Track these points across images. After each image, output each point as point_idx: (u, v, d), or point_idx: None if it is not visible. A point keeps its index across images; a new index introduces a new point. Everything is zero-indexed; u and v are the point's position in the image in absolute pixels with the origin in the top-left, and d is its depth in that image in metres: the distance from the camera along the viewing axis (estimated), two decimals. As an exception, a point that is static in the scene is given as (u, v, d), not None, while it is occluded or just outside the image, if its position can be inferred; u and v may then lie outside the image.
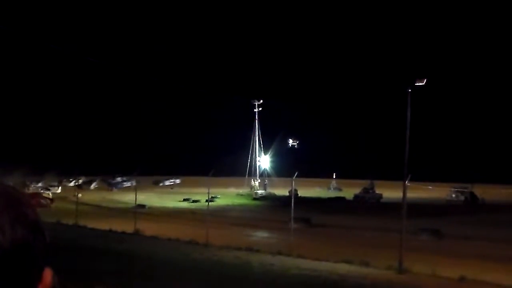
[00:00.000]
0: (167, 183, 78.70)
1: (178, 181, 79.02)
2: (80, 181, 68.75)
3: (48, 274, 0.93)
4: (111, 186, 70.61)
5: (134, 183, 65.09)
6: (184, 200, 56.53)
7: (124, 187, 67.80)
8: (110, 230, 31.37)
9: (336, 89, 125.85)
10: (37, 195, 48.83)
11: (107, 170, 73.70)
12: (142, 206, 44.88)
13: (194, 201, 54.23)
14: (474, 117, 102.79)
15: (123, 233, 30.90)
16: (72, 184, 64.42)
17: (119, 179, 72.14)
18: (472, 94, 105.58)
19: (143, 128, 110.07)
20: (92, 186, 70.83)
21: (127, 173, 70.12)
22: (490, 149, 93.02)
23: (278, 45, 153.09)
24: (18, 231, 0.88)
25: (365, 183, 66.40)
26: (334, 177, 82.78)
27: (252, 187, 71.97)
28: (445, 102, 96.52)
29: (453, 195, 60.78)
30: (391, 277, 20.10)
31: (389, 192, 56.26)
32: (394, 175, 33.87)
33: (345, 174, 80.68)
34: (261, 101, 75.37)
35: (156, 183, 76.54)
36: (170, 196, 61.40)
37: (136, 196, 36.58)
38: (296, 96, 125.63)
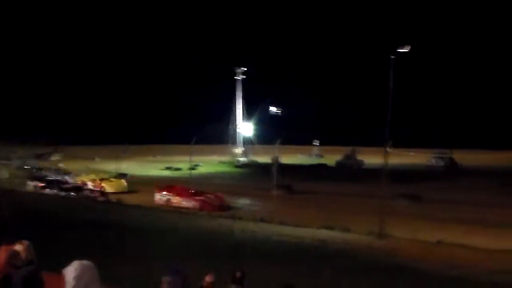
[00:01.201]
0: (53, 158, 65.38)
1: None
2: None
3: (2, 251, 0.86)
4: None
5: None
6: (166, 168, 56.53)
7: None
8: (93, 199, 31.37)
9: (319, 55, 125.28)
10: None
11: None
12: (124, 175, 44.71)
13: (176, 169, 54.27)
14: (453, 83, 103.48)
15: (107, 202, 30.92)
16: None
17: None
18: (452, 59, 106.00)
19: (123, 95, 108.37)
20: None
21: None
22: (469, 115, 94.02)
23: (261, 12, 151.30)
24: None
25: (347, 149, 66.85)
26: (316, 144, 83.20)
27: (234, 155, 72.01)
28: (424, 68, 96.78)
29: (433, 161, 61.45)
30: (371, 242, 20.43)
31: (371, 159, 56.77)
32: (376, 141, 34.07)
33: (328, 141, 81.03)
34: (245, 69, 74.60)
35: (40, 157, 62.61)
36: (151, 164, 61.27)
37: (118, 165, 36.55)
38: (279, 63, 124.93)
